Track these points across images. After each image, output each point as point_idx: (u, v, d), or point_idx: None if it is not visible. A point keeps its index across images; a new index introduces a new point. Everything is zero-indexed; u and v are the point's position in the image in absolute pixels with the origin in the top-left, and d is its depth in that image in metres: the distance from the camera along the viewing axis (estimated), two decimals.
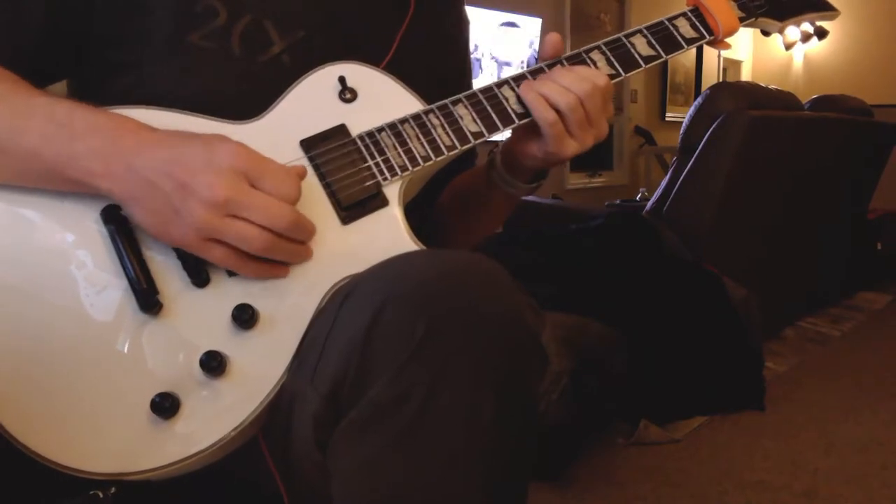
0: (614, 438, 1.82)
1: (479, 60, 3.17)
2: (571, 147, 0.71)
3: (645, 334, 1.80)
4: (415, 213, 0.67)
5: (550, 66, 0.73)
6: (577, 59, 0.74)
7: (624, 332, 1.76)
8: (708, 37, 0.78)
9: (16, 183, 0.59)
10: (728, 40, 0.80)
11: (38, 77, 0.64)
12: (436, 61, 0.82)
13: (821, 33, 0.88)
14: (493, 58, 3.24)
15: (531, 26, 3.49)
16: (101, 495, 0.53)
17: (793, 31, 0.86)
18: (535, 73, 0.73)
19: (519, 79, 0.73)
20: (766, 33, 0.86)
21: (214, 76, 0.68)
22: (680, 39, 0.77)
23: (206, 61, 0.68)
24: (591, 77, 0.70)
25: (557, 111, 0.69)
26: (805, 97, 2.72)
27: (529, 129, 0.73)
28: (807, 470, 1.67)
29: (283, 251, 0.58)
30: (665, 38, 0.77)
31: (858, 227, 3.24)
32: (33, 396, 0.55)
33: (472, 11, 0.97)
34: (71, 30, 0.68)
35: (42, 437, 0.54)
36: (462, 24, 0.92)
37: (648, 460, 1.73)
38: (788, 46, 0.88)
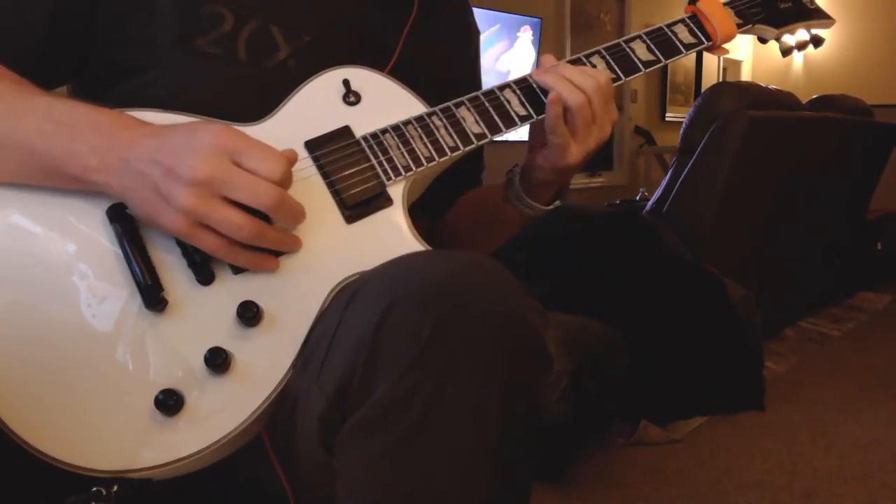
0: (614, 438, 1.82)
1: None
2: (573, 151, 0.71)
3: (645, 334, 1.80)
4: (421, 217, 0.67)
5: None
6: (577, 64, 0.75)
7: (624, 332, 1.76)
8: (706, 42, 0.80)
9: (16, 180, 0.60)
10: (726, 45, 0.82)
11: (40, 80, 0.64)
12: (441, 65, 0.83)
13: (816, 41, 0.90)
14: None
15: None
16: (104, 492, 0.53)
17: (789, 39, 0.88)
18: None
19: (521, 82, 0.73)
20: (762, 40, 0.88)
21: (220, 82, 0.68)
22: (679, 45, 0.78)
23: (212, 67, 0.68)
24: (595, 74, 0.71)
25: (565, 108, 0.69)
26: (805, 97, 2.72)
27: (537, 142, 0.73)
28: (807, 470, 1.68)
29: (271, 239, 0.58)
30: (664, 43, 0.78)
31: (858, 227, 3.24)
32: (36, 393, 0.55)
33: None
34: (74, 34, 0.68)
35: (44, 434, 0.54)
36: (470, 34, 0.92)
37: (648, 460, 1.73)
38: (785, 53, 0.90)
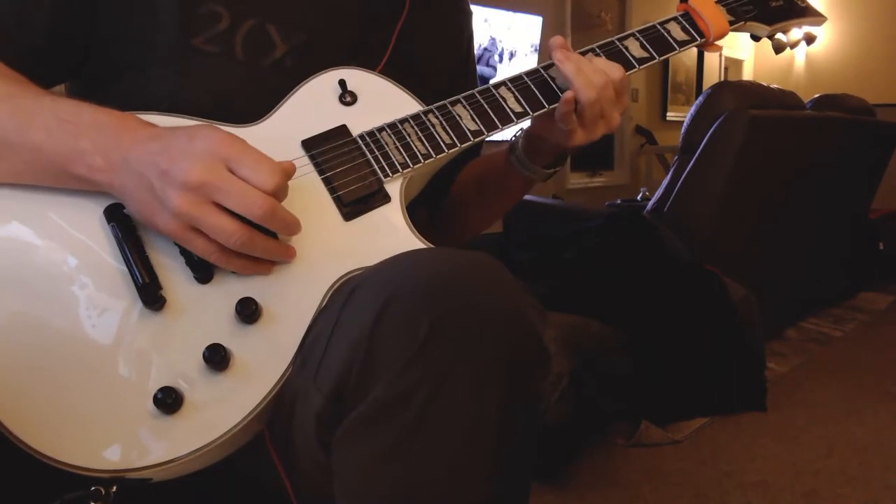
0: (614, 439, 1.82)
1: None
2: (579, 136, 0.74)
3: (645, 334, 1.80)
4: (419, 209, 0.68)
5: (546, 69, 0.75)
6: None
7: (624, 332, 1.76)
8: (699, 39, 0.81)
9: (21, 181, 0.60)
10: (724, 41, 0.84)
11: (40, 79, 0.64)
12: (436, 58, 0.83)
13: (809, 39, 0.91)
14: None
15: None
16: (102, 491, 0.53)
17: (782, 36, 0.89)
18: (530, 75, 0.74)
19: (516, 80, 0.74)
20: (755, 38, 0.89)
21: (217, 80, 0.68)
22: (672, 42, 0.80)
23: (209, 65, 0.68)
24: (608, 70, 0.72)
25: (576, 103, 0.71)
26: (807, 96, 2.72)
27: (544, 116, 0.75)
28: (808, 471, 1.67)
29: (261, 247, 0.57)
30: (657, 40, 0.79)
31: (860, 227, 3.24)
32: (34, 394, 0.55)
33: (472, 9, 0.97)
34: (74, 33, 0.68)
35: (43, 435, 0.54)
36: (463, 17, 0.92)
37: (649, 461, 1.73)
38: (778, 50, 0.91)
